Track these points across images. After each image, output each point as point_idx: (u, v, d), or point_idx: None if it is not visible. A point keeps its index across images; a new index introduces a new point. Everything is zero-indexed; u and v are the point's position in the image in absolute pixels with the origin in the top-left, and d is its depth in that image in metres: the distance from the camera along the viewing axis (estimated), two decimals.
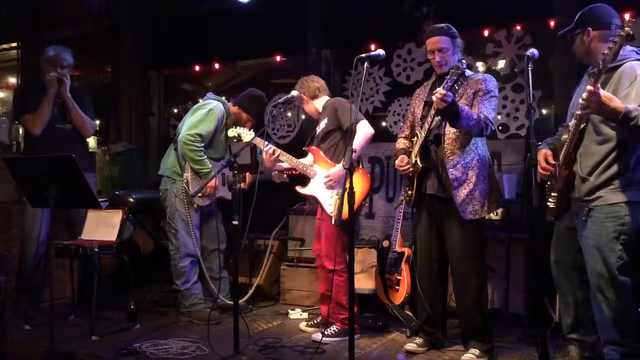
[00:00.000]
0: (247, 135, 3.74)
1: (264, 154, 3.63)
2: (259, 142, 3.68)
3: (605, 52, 2.35)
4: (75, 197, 3.33)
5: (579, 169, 2.69)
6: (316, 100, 3.72)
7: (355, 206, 3.43)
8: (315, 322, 3.78)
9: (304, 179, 3.67)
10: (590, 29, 2.70)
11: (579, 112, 2.59)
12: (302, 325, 3.78)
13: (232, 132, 3.79)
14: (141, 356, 3.15)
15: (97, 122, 4.28)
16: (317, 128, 3.73)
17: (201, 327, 3.69)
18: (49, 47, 4.17)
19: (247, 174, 4.09)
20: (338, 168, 3.47)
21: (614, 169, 2.60)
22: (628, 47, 2.71)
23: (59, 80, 4.01)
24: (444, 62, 3.11)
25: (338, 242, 3.44)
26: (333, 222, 3.40)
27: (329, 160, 3.57)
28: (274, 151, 3.61)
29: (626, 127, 2.43)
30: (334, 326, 3.52)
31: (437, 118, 3.00)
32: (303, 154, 3.76)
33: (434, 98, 2.83)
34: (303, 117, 5.33)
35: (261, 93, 4.17)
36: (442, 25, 3.14)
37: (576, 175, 2.71)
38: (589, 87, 2.34)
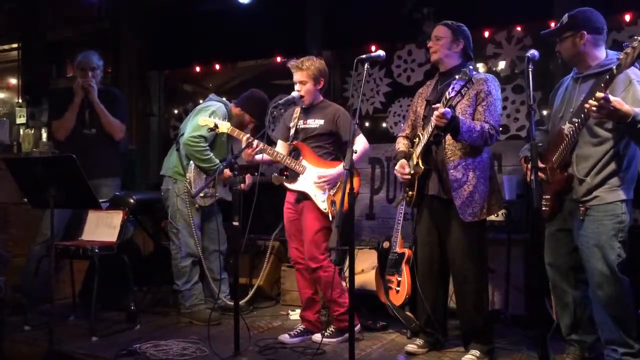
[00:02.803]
0: (223, 126, 3.52)
1: (242, 146, 3.42)
2: (236, 133, 3.49)
3: (621, 57, 2.37)
4: (75, 198, 3.33)
5: (575, 170, 2.72)
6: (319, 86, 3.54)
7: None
8: (299, 330, 3.55)
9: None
10: (585, 32, 2.71)
11: (575, 119, 2.63)
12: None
13: (204, 122, 3.55)
14: (141, 357, 3.14)
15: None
16: (302, 124, 3.56)
17: (201, 327, 3.69)
18: (79, 53, 4.26)
19: (247, 175, 4.08)
20: (334, 171, 3.41)
21: (610, 169, 2.65)
22: (612, 52, 2.73)
23: (84, 88, 4.10)
24: (435, 50, 3.15)
25: (318, 236, 3.37)
26: (330, 219, 3.38)
27: (325, 161, 3.48)
28: (256, 145, 3.38)
29: (633, 129, 2.48)
30: (331, 327, 3.51)
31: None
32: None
33: (433, 117, 2.84)
34: None
35: (263, 94, 4.15)
36: (452, 21, 3.19)
37: (573, 177, 2.73)
38: (599, 94, 2.37)
